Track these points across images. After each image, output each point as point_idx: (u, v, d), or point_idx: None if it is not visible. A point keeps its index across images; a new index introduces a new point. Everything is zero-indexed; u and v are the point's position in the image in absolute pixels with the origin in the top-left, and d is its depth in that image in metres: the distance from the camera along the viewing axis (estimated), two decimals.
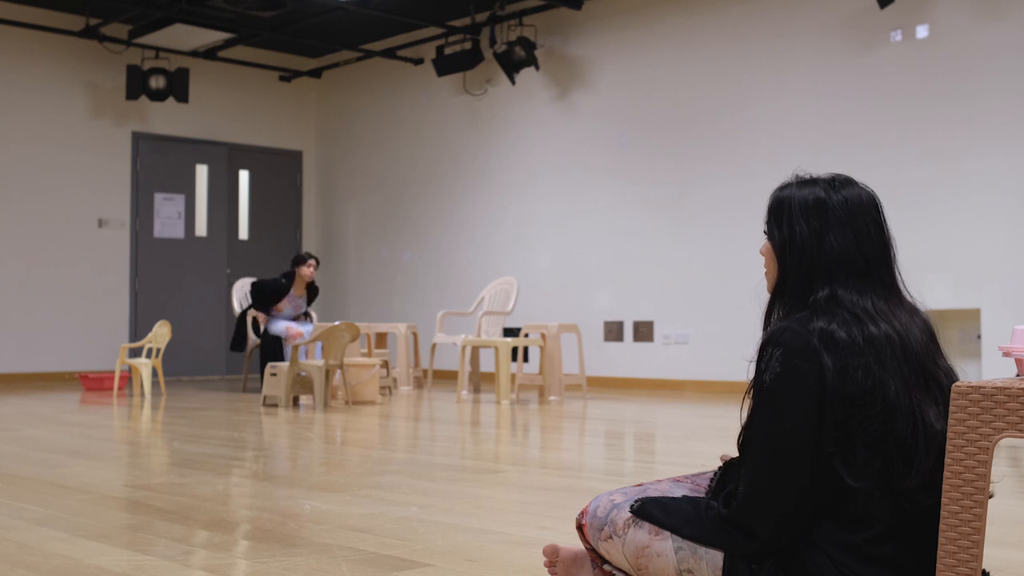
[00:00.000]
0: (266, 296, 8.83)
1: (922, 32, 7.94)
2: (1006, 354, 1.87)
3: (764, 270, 2.09)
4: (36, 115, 10.65)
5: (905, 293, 1.97)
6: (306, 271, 8.93)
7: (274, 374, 7.63)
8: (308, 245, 12.59)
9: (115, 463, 4.57)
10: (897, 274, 1.97)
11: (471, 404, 7.89)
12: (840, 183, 1.99)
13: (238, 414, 7.24)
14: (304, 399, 7.86)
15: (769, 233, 2.03)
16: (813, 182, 2.00)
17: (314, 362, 7.56)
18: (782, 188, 2.02)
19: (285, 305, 8.91)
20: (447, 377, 10.09)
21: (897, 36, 8.07)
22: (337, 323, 7.61)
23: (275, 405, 7.54)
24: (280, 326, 8.79)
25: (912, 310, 1.93)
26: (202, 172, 11.76)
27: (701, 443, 5.31)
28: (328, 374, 7.52)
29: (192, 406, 7.74)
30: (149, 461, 4.59)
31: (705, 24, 9.19)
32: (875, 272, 1.92)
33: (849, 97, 8.32)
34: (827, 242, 1.93)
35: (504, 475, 4.11)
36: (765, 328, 2.01)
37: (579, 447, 5.36)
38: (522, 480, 4.00)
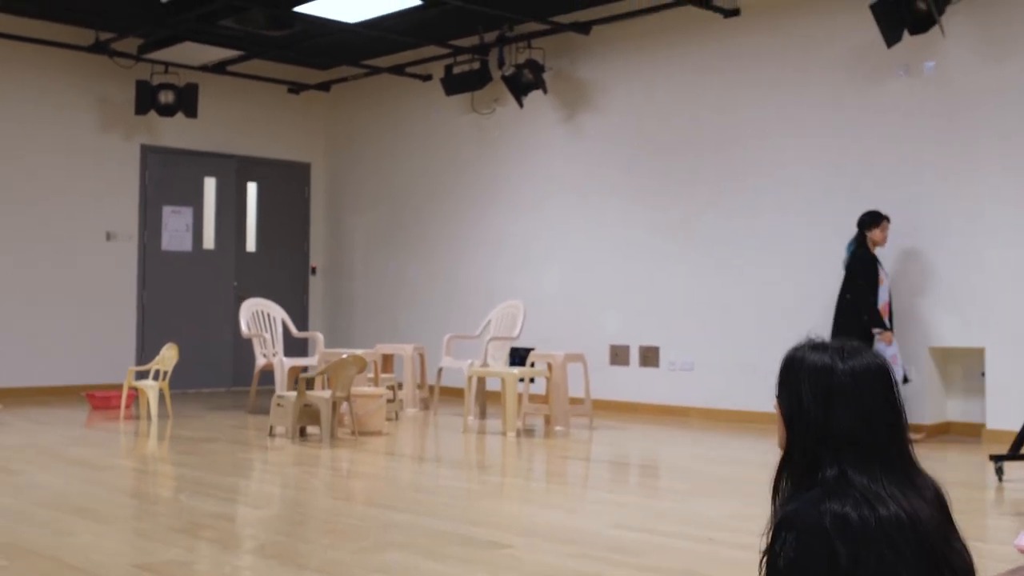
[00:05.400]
0: None
1: (928, 69, 7.92)
2: (1021, 551, 1.89)
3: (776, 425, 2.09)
4: (46, 128, 10.67)
5: (916, 463, 1.98)
6: None
7: (280, 405, 7.66)
8: (315, 258, 12.62)
9: (121, 527, 4.60)
10: (908, 447, 1.98)
11: (477, 436, 7.91)
12: (849, 352, 1.99)
13: (244, 449, 7.28)
14: (311, 429, 7.89)
15: (779, 396, 2.04)
16: (823, 347, 2.00)
17: (321, 393, 7.59)
18: (794, 349, 2.03)
19: None
20: (453, 395, 10.11)
21: (903, 72, 8.05)
22: (344, 356, 7.63)
23: (282, 435, 7.58)
24: None
25: (924, 484, 1.94)
26: (210, 184, 11.78)
27: (707, 500, 5.33)
28: (335, 405, 7.55)
29: (198, 435, 7.78)
30: (156, 525, 4.62)
31: (712, 52, 9.17)
32: (884, 450, 1.92)
33: (856, 131, 8.31)
34: (834, 418, 1.93)
35: (512, 552, 4.13)
36: (774, 497, 2.02)
37: (585, 506, 5.39)
38: (531, 559, 4.02)
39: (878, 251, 7.74)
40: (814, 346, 2.01)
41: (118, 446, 7.41)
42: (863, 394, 1.93)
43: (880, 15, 7.62)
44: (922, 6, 7.50)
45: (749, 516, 4.91)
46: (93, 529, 4.45)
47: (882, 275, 7.67)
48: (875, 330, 7.52)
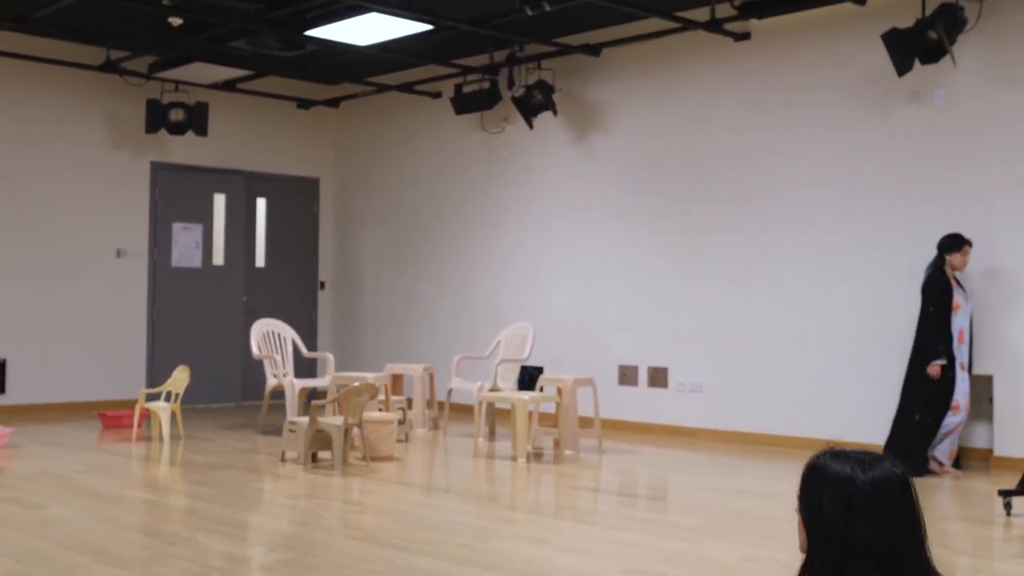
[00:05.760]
0: None
1: (939, 97, 7.95)
2: None
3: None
4: (57, 147, 10.72)
5: (935, 572, 2.01)
6: None
7: (293, 430, 7.71)
8: (324, 273, 12.67)
9: (140, 572, 4.64)
10: (927, 557, 2.01)
11: (487, 462, 7.96)
12: (870, 463, 2.03)
13: (257, 477, 7.33)
14: (323, 454, 7.93)
15: (800, 502, 2.08)
16: (845, 457, 2.05)
17: (333, 420, 7.64)
18: (816, 457, 2.08)
19: None
20: (463, 412, 10.15)
21: (914, 100, 8.08)
22: (356, 383, 7.68)
23: (295, 461, 7.64)
24: None
25: None
26: (220, 201, 11.83)
27: (718, 540, 5.38)
28: (347, 432, 7.59)
29: (210, 460, 7.83)
30: (175, 570, 4.66)
31: (722, 76, 9.20)
32: (904, 562, 1.97)
33: (865, 156, 8.35)
34: (854, 529, 1.98)
35: None
36: None
37: (597, 546, 5.44)
38: None
39: (958, 273, 7.55)
40: (835, 455, 2.05)
41: (132, 474, 7.47)
42: (883, 506, 1.98)
43: (891, 45, 7.66)
44: (933, 36, 7.52)
45: (758, 559, 4.97)
46: (112, 575, 4.49)
47: (959, 300, 7.43)
48: (935, 362, 7.34)
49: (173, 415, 8.90)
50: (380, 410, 8.56)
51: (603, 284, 10.00)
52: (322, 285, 12.65)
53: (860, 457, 2.04)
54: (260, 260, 12.19)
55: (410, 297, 11.78)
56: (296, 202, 12.51)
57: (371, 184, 12.36)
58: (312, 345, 12.04)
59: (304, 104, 12.35)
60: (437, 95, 11.39)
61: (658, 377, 9.56)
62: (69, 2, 8.37)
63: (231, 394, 11.73)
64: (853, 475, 2.01)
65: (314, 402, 7.71)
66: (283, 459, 7.76)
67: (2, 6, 8.61)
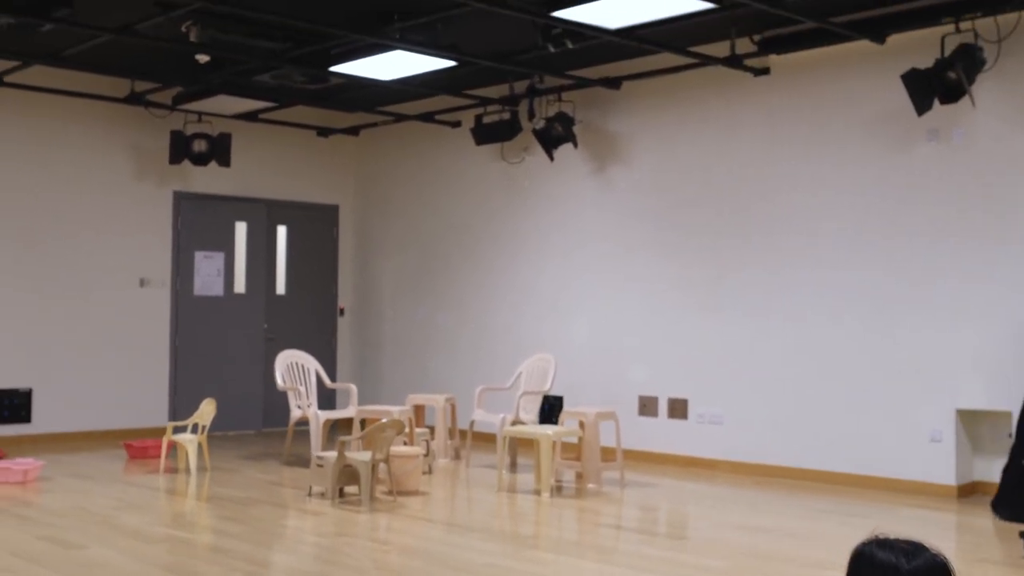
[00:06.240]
0: None
1: (958, 136, 8.05)
2: None
3: None
4: (82, 177, 10.86)
5: None
6: None
7: (320, 465, 7.82)
8: (344, 300, 12.78)
9: None
10: None
11: (510, 496, 8.05)
12: (914, 552, 2.14)
13: (286, 513, 7.43)
14: (349, 488, 8.03)
15: None
16: (890, 546, 2.16)
17: (360, 455, 7.73)
18: (862, 545, 2.19)
19: None
20: (484, 441, 10.24)
21: (932, 139, 8.18)
22: (383, 420, 7.78)
23: (322, 496, 7.74)
24: None
25: None
26: (241, 229, 11.96)
27: None
28: (374, 467, 7.69)
29: (238, 494, 7.93)
30: None
31: (742, 110, 9.31)
32: None
33: (883, 193, 8.44)
34: None
35: None
36: None
37: None
38: None
39: None
40: (880, 543, 2.16)
41: (165, 510, 7.58)
42: None
43: (911, 85, 7.76)
44: (952, 77, 7.62)
45: None
46: None
47: None
48: None
49: (200, 447, 9.01)
50: (404, 443, 8.66)
51: (622, 315, 10.11)
52: (341, 311, 12.76)
53: (904, 546, 2.15)
54: (280, 287, 12.32)
55: (430, 326, 11.88)
56: (316, 229, 12.63)
57: (390, 212, 12.48)
58: (332, 371, 12.15)
59: (323, 132, 12.48)
60: (457, 124, 11.51)
61: (678, 408, 9.65)
62: (101, 40, 8.49)
63: (252, 422, 11.84)
64: (898, 564, 2.12)
65: (341, 438, 7.82)
66: (310, 493, 7.87)
67: (35, 43, 8.73)
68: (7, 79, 9.89)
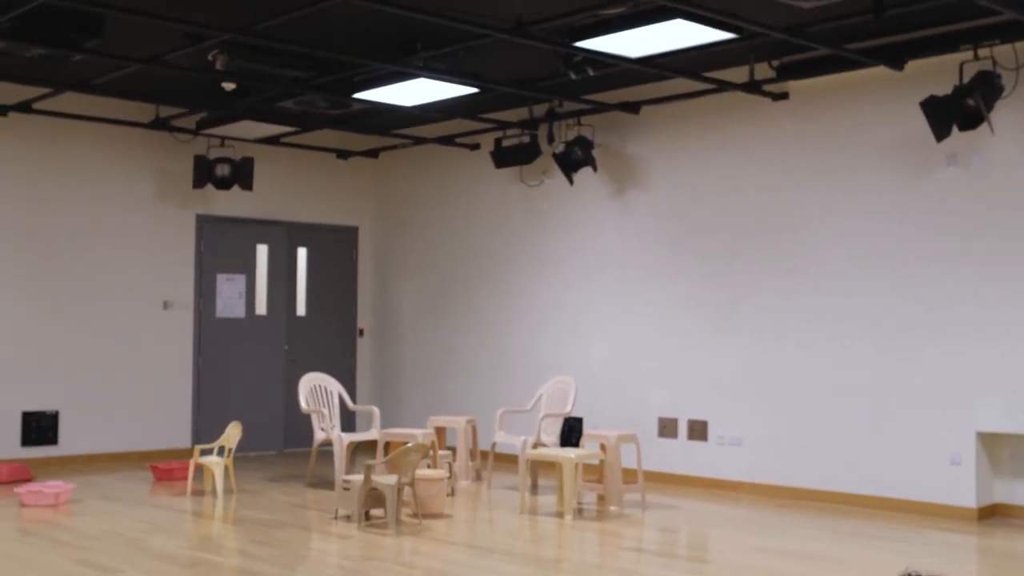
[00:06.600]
0: None
1: (977, 162, 8.13)
2: None
3: None
4: (106, 201, 11.01)
5: None
6: None
7: (347, 488, 7.91)
8: (363, 321, 12.90)
9: None
10: None
11: (533, 519, 8.12)
12: None
13: (312, 537, 7.52)
14: (375, 511, 8.11)
15: None
16: None
17: (386, 479, 7.82)
18: None
19: None
20: (505, 462, 10.32)
21: (951, 164, 8.26)
22: (408, 444, 7.88)
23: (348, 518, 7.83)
24: None
25: None
26: (262, 251, 12.10)
27: None
28: (399, 491, 7.78)
29: (264, 517, 8.03)
30: None
31: (759, 135, 9.41)
32: None
33: (901, 219, 8.52)
34: None
35: None
36: None
37: None
38: None
39: None
40: None
41: (194, 533, 7.68)
42: None
43: (930, 112, 7.84)
44: (971, 103, 7.71)
45: None
46: None
47: None
48: None
49: (226, 469, 9.11)
50: (428, 466, 8.75)
51: (641, 337, 10.19)
52: (361, 332, 12.87)
53: None
54: (301, 309, 12.44)
55: (449, 348, 11.98)
56: (336, 251, 12.76)
57: (410, 234, 12.60)
58: (352, 393, 12.26)
59: (343, 155, 12.62)
60: (476, 147, 11.64)
61: (698, 430, 9.73)
62: (130, 70, 8.64)
63: (274, 442, 11.95)
64: None
65: (368, 462, 7.91)
66: (336, 516, 7.96)
67: (65, 72, 8.89)
68: (36, 106, 10.05)
